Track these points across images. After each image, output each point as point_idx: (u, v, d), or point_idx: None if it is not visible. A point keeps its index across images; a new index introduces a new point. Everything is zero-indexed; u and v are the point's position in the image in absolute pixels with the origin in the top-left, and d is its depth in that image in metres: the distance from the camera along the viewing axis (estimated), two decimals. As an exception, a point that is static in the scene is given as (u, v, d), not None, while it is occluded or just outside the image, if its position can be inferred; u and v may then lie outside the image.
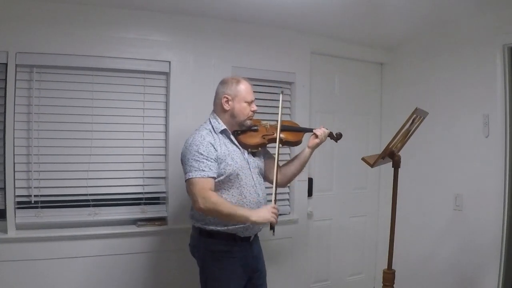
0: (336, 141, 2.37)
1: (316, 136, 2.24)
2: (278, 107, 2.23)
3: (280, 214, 3.07)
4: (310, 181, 3.24)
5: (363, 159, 2.11)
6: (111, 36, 2.57)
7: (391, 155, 2.11)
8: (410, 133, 2.20)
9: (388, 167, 2.24)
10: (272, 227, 1.99)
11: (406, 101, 3.33)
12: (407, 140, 2.25)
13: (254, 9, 2.67)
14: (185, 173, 1.99)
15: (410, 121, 2.05)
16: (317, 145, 2.25)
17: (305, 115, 3.14)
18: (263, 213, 1.96)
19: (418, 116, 2.08)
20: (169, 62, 2.72)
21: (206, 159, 1.96)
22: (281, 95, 2.25)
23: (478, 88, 2.76)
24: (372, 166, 2.11)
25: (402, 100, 3.41)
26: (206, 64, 2.80)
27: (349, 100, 3.46)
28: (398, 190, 2.13)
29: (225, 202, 1.96)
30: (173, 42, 2.73)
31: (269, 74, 3.03)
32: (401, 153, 2.18)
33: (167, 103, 2.75)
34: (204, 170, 1.94)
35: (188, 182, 1.97)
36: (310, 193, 3.24)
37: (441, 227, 3.01)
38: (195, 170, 1.94)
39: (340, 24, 2.98)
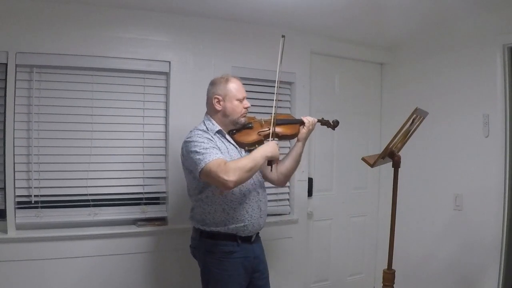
0: (334, 129, 2.37)
1: (303, 126, 2.23)
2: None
3: (280, 214, 3.12)
4: (310, 181, 3.24)
5: (363, 159, 2.11)
6: (111, 36, 2.57)
7: (391, 155, 2.11)
8: (410, 133, 2.20)
9: (388, 167, 2.24)
10: (270, 163, 2.05)
11: (406, 101, 3.33)
12: (407, 140, 2.25)
13: (254, 9, 2.67)
14: (197, 165, 1.91)
15: (410, 121, 2.05)
16: (306, 135, 2.24)
17: (305, 115, 3.12)
18: (272, 149, 2.01)
19: (418, 116, 2.08)
20: (169, 62, 2.72)
21: (211, 147, 1.94)
22: (282, 39, 2.10)
23: (478, 88, 2.76)
24: (372, 166, 2.11)
25: (402, 100, 3.41)
26: (206, 64, 2.80)
27: (349, 100, 3.46)
28: (398, 190, 2.12)
29: (240, 160, 1.93)
30: (173, 42, 2.73)
31: (269, 74, 3.02)
32: (401, 153, 2.18)
33: (167, 103, 2.75)
34: (213, 154, 1.91)
35: (204, 172, 1.89)
36: (310, 193, 3.24)
37: (441, 227, 3.01)
38: (208, 156, 1.89)
39: (340, 24, 2.98)
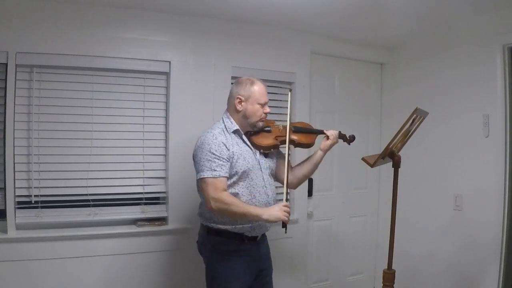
0: (349, 144, 2.36)
1: (328, 138, 2.25)
2: (285, 107, 2.23)
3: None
4: (310, 181, 3.24)
5: (363, 159, 2.11)
6: (111, 36, 2.57)
7: (391, 155, 2.11)
8: (410, 133, 2.20)
9: (388, 167, 2.24)
10: (284, 226, 2.01)
11: (406, 101, 3.33)
12: (407, 140, 2.25)
13: (254, 9, 2.67)
14: (197, 172, 1.99)
15: (410, 121, 2.05)
16: (330, 147, 2.26)
17: (305, 115, 3.14)
18: (275, 212, 1.97)
19: (418, 116, 2.08)
20: (169, 62, 2.72)
21: (218, 159, 1.96)
22: (289, 93, 2.26)
23: (478, 88, 2.76)
24: (372, 166, 2.10)
25: (402, 100, 3.41)
26: (206, 64, 2.80)
27: (349, 100, 3.46)
28: (398, 190, 2.12)
29: (237, 202, 1.95)
30: (173, 42, 2.74)
31: (269, 74, 3.03)
32: (401, 153, 2.18)
33: (167, 103, 2.75)
34: (215, 170, 1.94)
35: (201, 181, 1.97)
36: (310, 193, 3.24)
37: (441, 227, 3.01)
38: (207, 170, 1.94)
39: (340, 24, 2.98)
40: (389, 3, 2.58)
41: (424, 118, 2.17)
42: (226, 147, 2.00)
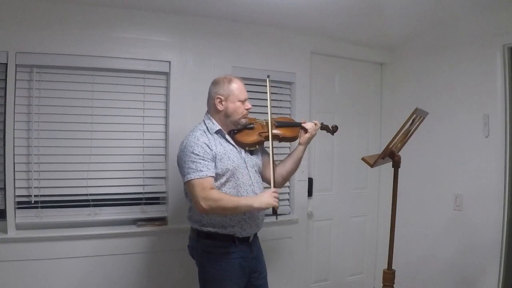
0: (333, 134, 2.38)
1: (306, 131, 2.23)
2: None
3: (280, 214, 3.10)
4: (310, 181, 3.24)
5: (363, 159, 2.11)
6: (111, 36, 2.57)
7: (391, 155, 2.11)
8: (410, 133, 2.20)
9: (388, 167, 2.24)
10: (275, 212, 2.00)
11: (406, 101, 3.33)
12: (407, 140, 2.25)
13: (254, 9, 2.67)
14: (183, 175, 1.98)
15: (410, 121, 2.05)
16: (309, 139, 2.24)
17: (305, 115, 3.14)
18: (265, 199, 1.96)
19: (418, 116, 2.08)
20: (169, 62, 2.72)
21: (203, 159, 1.95)
22: (267, 80, 2.21)
23: (478, 88, 2.76)
24: (372, 166, 2.11)
25: (402, 100, 3.41)
26: (206, 64, 2.80)
27: (349, 100, 3.46)
28: (398, 190, 2.12)
29: (226, 196, 1.95)
30: (173, 42, 2.73)
31: (269, 74, 3.02)
32: (401, 153, 2.18)
33: (167, 103, 2.75)
34: (202, 170, 1.93)
35: (187, 184, 1.96)
36: (310, 193, 3.24)
37: (441, 227, 3.01)
38: (193, 172, 1.93)
39: (340, 24, 2.98)
40: (389, 3, 2.58)
41: (424, 118, 2.17)
42: (209, 148, 1.99)
